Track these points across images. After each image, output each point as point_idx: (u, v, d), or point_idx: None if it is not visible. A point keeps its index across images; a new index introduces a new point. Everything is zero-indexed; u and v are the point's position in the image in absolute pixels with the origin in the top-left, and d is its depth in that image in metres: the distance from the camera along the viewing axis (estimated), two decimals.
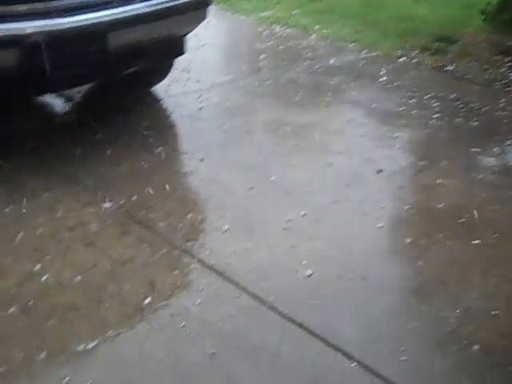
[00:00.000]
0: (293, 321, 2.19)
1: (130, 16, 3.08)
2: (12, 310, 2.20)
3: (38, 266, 2.43)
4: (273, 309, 2.24)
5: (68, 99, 3.93)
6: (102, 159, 3.25)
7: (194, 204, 2.94)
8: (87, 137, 3.47)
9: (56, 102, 3.91)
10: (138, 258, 2.49)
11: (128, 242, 2.60)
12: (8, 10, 2.79)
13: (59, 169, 3.14)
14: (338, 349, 2.09)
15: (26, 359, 2.01)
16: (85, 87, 4.04)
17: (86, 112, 3.91)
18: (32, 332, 2.12)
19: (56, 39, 2.88)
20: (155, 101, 3.99)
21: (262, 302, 2.27)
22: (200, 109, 3.86)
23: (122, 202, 2.84)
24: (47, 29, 2.86)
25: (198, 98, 4.01)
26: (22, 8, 2.82)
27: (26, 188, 2.96)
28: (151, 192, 2.94)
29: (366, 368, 2.01)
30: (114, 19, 3.03)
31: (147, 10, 3.13)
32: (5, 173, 3.06)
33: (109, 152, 3.31)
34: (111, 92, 4.01)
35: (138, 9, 3.11)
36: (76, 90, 3.98)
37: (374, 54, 4.85)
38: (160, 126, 3.69)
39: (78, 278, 2.37)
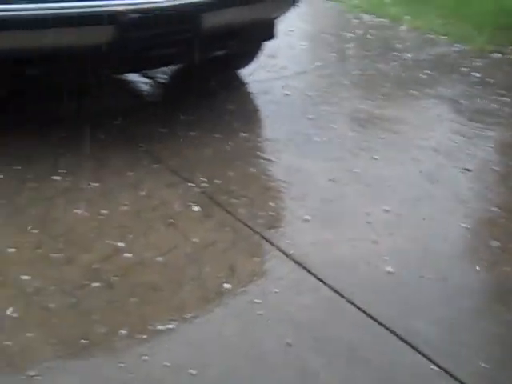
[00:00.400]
0: (371, 317, 2.16)
1: None
2: (95, 284, 2.25)
3: (122, 244, 2.47)
4: (351, 303, 2.21)
5: (154, 79, 3.98)
6: (186, 141, 3.28)
7: (275, 192, 2.94)
8: (172, 117, 3.51)
9: (142, 82, 3.96)
10: (219, 242, 2.51)
11: (209, 225, 2.61)
12: None
13: (143, 148, 3.18)
14: (416, 349, 2.05)
15: (107, 334, 2.05)
16: (170, 67, 4.07)
17: (171, 93, 3.96)
18: (114, 308, 2.16)
19: (151, 18, 2.91)
20: (241, 85, 4.00)
21: (341, 295, 2.25)
22: (285, 95, 3.84)
23: (204, 185, 2.86)
24: (142, 7, 2.90)
25: (284, 84, 3.99)
26: None
27: (111, 165, 3.02)
28: (234, 177, 2.95)
29: (446, 371, 1.96)
30: (209, 0, 3.04)
31: None
32: (91, 149, 3.12)
33: (193, 134, 3.33)
34: (196, 74, 4.03)
35: None
36: (162, 70, 4.02)
37: (467, 48, 4.71)
38: (245, 110, 3.69)
39: (160, 258, 2.40)
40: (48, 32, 2.73)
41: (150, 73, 3.99)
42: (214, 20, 3.09)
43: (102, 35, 2.85)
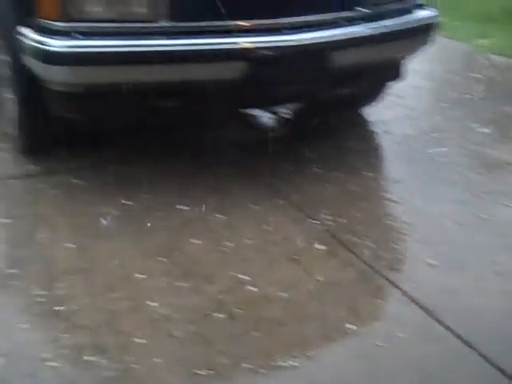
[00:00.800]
0: (504, 372, 2.06)
1: (356, 37, 3.09)
2: (219, 315, 2.27)
3: (245, 277, 2.48)
4: (483, 357, 2.11)
5: (278, 114, 4.03)
6: (309, 176, 3.29)
7: (399, 234, 2.88)
8: (293, 153, 3.53)
9: (266, 117, 4.01)
10: (342, 282, 2.48)
11: (333, 263, 2.59)
12: (237, 24, 2.91)
13: (266, 182, 3.21)
14: None
15: (230, 366, 2.06)
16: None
17: (294, 129, 3.98)
18: (237, 340, 2.17)
19: (281, 55, 2.96)
20: (365, 124, 3.98)
21: (472, 347, 2.15)
22: (410, 136, 3.79)
23: (328, 223, 2.85)
24: (273, 45, 2.95)
25: (409, 124, 3.94)
26: (250, 23, 2.93)
27: (235, 198, 3.06)
28: (358, 216, 2.92)
29: None
30: (339, 39, 3.06)
31: (373, 31, 3.12)
32: (216, 181, 3.18)
33: (316, 170, 3.34)
34: (320, 110, 4.04)
35: (363, 30, 3.12)
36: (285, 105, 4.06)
37: None
38: (368, 149, 3.67)
39: (283, 293, 2.39)
40: (186, 67, 2.84)
41: (274, 108, 4.04)
42: (343, 59, 3.10)
43: (233, 71, 2.91)
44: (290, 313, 2.31)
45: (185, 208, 2.95)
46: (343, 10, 3.13)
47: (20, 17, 2.94)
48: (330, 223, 2.85)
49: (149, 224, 2.81)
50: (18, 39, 2.89)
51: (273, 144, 3.68)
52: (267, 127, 3.96)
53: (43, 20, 2.77)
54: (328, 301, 2.38)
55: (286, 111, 4.03)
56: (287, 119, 4.01)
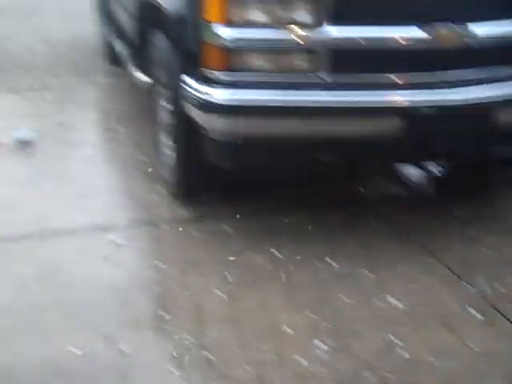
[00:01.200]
0: None
1: None
2: (368, 377, 2.21)
3: (394, 339, 2.40)
4: None
5: (428, 170, 3.90)
6: (462, 237, 3.16)
7: None
8: (445, 211, 3.40)
9: (415, 171, 3.90)
10: (500, 353, 2.34)
11: (490, 333, 2.45)
12: (396, 79, 2.86)
13: (415, 239, 3.12)
14: None
15: None
16: None
17: (445, 185, 3.85)
18: None
19: (441, 113, 2.88)
20: None
21: None
22: None
23: (484, 288, 2.71)
24: (434, 104, 2.88)
25: None
26: (409, 79, 2.88)
27: (383, 254, 2.99)
28: None
29: None
30: (506, 98, 2.94)
31: None
32: (364, 236, 3.13)
33: (469, 231, 3.20)
34: (473, 167, 3.88)
35: None
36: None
37: None
38: None
39: (436, 360, 2.29)
40: (343, 121, 2.83)
41: (426, 163, 3.92)
42: (508, 118, 2.97)
43: (391, 127, 2.86)
44: (442, 383, 2.20)
45: (333, 262, 2.91)
46: (507, 64, 3.01)
47: (184, 67, 3.06)
48: (486, 289, 2.70)
49: (296, 276, 2.79)
50: (182, 88, 3.00)
51: (424, 201, 3.58)
52: (418, 183, 3.85)
53: (207, 70, 2.85)
54: (485, 373, 2.25)
55: (438, 167, 3.90)
56: (439, 176, 3.88)
